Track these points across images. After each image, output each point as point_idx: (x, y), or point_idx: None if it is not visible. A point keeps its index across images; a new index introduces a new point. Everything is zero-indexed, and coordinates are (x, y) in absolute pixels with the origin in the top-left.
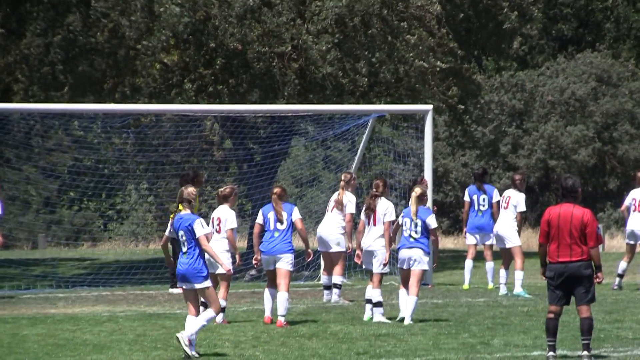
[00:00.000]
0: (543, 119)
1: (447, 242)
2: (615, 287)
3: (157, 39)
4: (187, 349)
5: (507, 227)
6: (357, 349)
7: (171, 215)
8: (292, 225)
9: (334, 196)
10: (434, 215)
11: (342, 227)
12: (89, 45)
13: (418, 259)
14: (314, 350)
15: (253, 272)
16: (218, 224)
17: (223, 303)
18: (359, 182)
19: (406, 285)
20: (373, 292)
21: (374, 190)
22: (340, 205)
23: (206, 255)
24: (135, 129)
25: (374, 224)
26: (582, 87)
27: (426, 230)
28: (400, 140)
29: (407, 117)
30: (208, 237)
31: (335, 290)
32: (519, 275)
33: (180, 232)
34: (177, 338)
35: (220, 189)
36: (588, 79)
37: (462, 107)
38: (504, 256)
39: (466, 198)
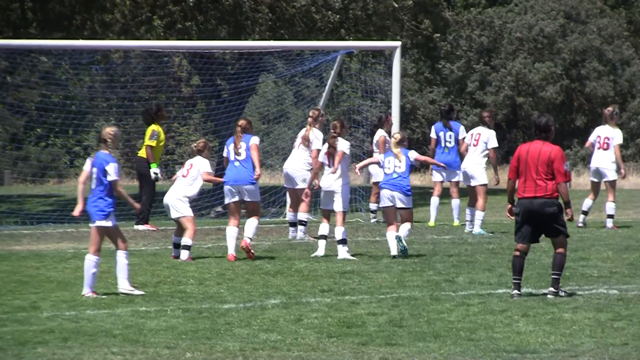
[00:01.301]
0: (511, 55)
1: (413, 179)
2: (580, 225)
3: None
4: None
5: (474, 165)
6: (322, 286)
7: (92, 154)
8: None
9: (302, 132)
10: (413, 151)
11: (308, 163)
12: None
13: (401, 199)
14: (278, 287)
15: (219, 208)
16: (188, 169)
17: (189, 242)
18: (326, 119)
19: (390, 222)
20: (337, 230)
21: (332, 131)
22: (307, 141)
23: (169, 201)
24: (103, 65)
25: (334, 164)
26: (551, 24)
27: (409, 167)
28: (368, 76)
29: (376, 53)
30: (117, 183)
31: (300, 227)
32: (479, 215)
33: (94, 169)
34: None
35: (194, 144)
36: (556, 16)
37: (438, 35)
38: (471, 194)
39: (432, 135)
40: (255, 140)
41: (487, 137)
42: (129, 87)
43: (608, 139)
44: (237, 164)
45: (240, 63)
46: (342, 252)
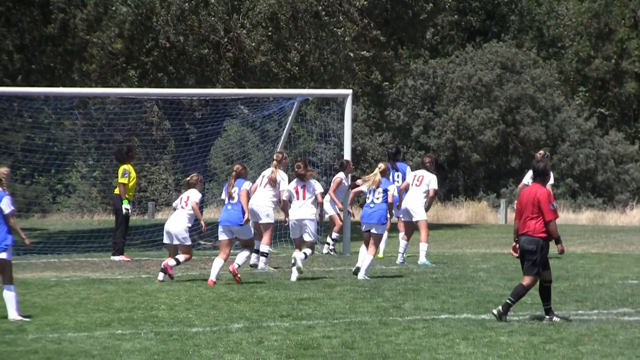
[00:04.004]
0: (452, 102)
1: None
2: (516, 255)
3: (106, 35)
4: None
5: (416, 202)
6: (281, 311)
7: None
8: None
9: (267, 173)
10: (393, 185)
11: (271, 201)
12: (43, 35)
13: (376, 229)
14: (241, 313)
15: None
16: (185, 201)
17: (182, 258)
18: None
19: (367, 244)
20: (304, 251)
21: (297, 170)
22: (273, 182)
23: (171, 229)
24: (82, 110)
25: (304, 198)
26: (488, 74)
27: (386, 199)
28: (322, 121)
29: (330, 100)
30: (11, 214)
31: (262, 258)
32: (423, 247)
33: None
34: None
35: (187, 178)
36: (494, 67)
37: (387, 83)
38: (407, 228)
39: None
40: (245, 185)
41: (429, 180)
42: (105, 130)
43: None
44: (229, 207)
45: (207, 109)
46: (294, 274)
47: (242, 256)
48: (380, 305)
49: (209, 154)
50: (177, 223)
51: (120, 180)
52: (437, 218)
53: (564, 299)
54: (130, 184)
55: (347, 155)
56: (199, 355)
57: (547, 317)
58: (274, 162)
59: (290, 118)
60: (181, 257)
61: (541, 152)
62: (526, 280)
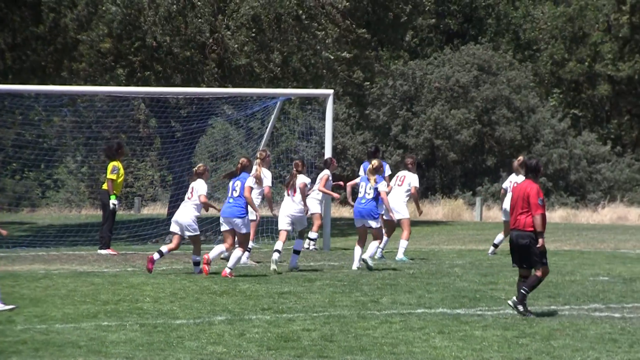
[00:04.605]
0: (430, 103)
1: (343, 211)
2: (490, 254)
3: (95, 34)
4: None
5: (398, 201)
6: (263, 305)
7: None
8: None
9: (252, 171)
10: (384, 181)
11: (255, 197)
12: (34, 34)
13: (370, 223)
14: (224, 306)
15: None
16: (191, 192)
17: (198, 258)
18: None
19: (361, 241)
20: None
21: (295, 169)
22: (258, 179)
23: (180, 220)
24: (71, 108)
25: (294, 194)
26: (466, 75)
27: (376, 194)
28: (304, 120)
29: (311, 100)
30: None
31: (245, 253)
32: (403, 244)
33: None
34: None
35: (195, 168)
36: (471, 68)
37: (368, 83)
38: (388, 226)
39: (361, 172)
40: (249, 182)
41: (410, 179)
42: (93, 127)
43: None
44: (231, 200)
45: (192, 107)
46: (294, 260)
47: (233, 258)
48: (359, 300)
49: (194, 151)
50: (185, 214)
51: (109, 176)
52: (414, 215)
53: (536, 294)
54: (119, 180)
55: (328, 154)
56: (182, 346)
57: (522, 311)
58: (258, 160)
59: (272, 117)
60: (197, 257)
61: (520, 158)
62: (538, 273)
